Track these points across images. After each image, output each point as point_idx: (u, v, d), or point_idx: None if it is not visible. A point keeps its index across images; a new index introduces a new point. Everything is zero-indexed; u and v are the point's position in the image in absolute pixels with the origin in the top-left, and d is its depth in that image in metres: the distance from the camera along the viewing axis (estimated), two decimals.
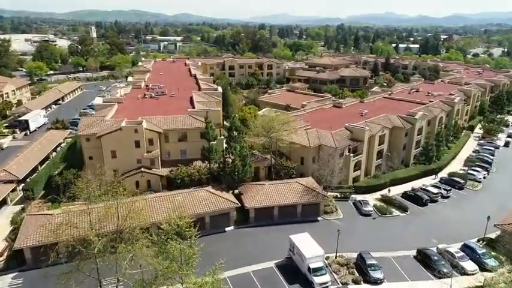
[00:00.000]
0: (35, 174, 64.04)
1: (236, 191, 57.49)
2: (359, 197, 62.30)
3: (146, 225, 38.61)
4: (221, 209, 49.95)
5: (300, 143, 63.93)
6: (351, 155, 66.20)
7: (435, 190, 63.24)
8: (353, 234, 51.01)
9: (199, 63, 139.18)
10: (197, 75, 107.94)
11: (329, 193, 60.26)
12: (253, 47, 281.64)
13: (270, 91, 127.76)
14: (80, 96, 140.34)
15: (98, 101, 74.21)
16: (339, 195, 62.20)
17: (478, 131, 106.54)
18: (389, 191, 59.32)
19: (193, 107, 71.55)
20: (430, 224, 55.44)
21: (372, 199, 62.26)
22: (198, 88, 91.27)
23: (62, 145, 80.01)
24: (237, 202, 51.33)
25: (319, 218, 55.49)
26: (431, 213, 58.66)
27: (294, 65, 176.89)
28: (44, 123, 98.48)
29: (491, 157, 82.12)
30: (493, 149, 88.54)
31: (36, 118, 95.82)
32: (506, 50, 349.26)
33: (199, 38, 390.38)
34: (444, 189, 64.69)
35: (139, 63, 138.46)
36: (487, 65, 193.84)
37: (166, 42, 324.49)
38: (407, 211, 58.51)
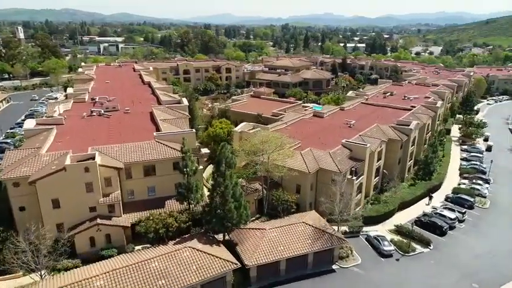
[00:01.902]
0: None
1: (226, 236, 44.79)
2: (370, 230, 52.24)
3: None
4: (216, 274, 36.78)
5: (296, 168, 52.37)
6: (354, 177, 55.99)
7: (452, 215, 54.93)
8: (382, 287, 40.54)
9: (151, 68, 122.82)
10: (152, 83, 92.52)
11: (334, 227, 49.35)
12: (204, 48, 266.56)
13: (233, 97, 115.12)
14: (6, 110, 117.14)
15: (28, 124, 56.82)
16: (347, 230, 51.57)
17: (454, 134, 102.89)
18: (412, 225, 49.04)
19: (157, 128, 57.20)
20: (460, 261, 46.59)
21: (385, 231, 52.48)
22: (156, 100, 76.43)
23: None
24: (236, 262, 38.39)
25: (334, 267, 44.32)
26: (455, 245, 50.03)
27: (253, 68, 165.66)
28: None
29: (484, 166, 76.79)
30: (480, 155, 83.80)
31: None
32: (443, 48, 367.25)
33: (142, 39, 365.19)
34: (459, 211, 56.80)
35: (80, 69, 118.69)
36: (441, 64, 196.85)
37: (106, 44, 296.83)
38: (430, 245, 49.31)
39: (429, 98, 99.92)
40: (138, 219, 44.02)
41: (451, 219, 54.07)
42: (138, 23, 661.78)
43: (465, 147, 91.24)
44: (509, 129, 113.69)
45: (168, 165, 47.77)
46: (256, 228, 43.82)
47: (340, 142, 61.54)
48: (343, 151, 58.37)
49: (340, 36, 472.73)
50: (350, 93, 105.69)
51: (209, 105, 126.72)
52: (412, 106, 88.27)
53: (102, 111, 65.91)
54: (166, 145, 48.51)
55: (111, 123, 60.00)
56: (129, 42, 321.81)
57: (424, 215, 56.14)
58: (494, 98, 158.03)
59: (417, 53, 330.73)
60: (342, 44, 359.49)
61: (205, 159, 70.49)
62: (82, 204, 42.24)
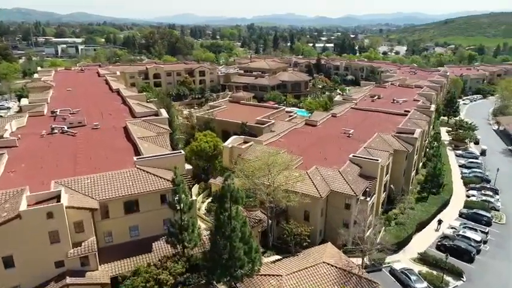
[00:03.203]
0: None
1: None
2: (391, 260, 45.49)
3: None
4: None
5: (305, 192, 44.69)
6: (368, 199, 49.15)
7: (477, 236, 49.30)
8: None
9: (118, 73, 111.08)
10: (121, 91, 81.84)
11: (353, 259, 42.15)
12: (171, 49, 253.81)
13: (211, 104, 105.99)
14: None
15: None
16: (367, 263, 44.48)
17: (444, 137, 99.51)
18: (447, 256, 41.93)
19: (135, 148, 47.69)
20: None
21: (408, 261, 45.93)
22: (129, 112, 66.33)
23: None
24: None
25: None
26: (487, 274, 44.32)
27: (227, 70, 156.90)
28: None
29: (486, 173, 72.76)
30: (479, 161, 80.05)
31: None
32: (408, 48, 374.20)
33: (103, 40, 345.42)
34: (481, 231, 51.39)
35: (35, 75, 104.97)
36: (415, 64, 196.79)
37: (64, 45, 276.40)
38: (462, 276, 43.24)
39: (418, 101, 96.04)
40: (120, 273, 34.56)
41: (476, 241, 48.40)
42: (97, 23, 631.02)
43: (459, 152, 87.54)
44: (494, 130, 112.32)
45: (154, 198, 38.55)
46: (270, 275, 35.59)
47: (343, 156, 55.08)
48: (352, 168, 51.38)
49: (308, 36, 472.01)
50: (338, 97, 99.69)
51: (184, 112, 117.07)
52: (406, 111, 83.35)
53: (66, 128, 55.06)
54: (151, 173, 39.21)
55: (77, 144, 49.49)
56: (89, 44, 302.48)
57: (445, 237, 50.27)
58: (468, 97, 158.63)
59: (384, 53, 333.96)
60: (310, 44, 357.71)
61: (189, 177, 61.76)
62: (45, 260, 32.26)
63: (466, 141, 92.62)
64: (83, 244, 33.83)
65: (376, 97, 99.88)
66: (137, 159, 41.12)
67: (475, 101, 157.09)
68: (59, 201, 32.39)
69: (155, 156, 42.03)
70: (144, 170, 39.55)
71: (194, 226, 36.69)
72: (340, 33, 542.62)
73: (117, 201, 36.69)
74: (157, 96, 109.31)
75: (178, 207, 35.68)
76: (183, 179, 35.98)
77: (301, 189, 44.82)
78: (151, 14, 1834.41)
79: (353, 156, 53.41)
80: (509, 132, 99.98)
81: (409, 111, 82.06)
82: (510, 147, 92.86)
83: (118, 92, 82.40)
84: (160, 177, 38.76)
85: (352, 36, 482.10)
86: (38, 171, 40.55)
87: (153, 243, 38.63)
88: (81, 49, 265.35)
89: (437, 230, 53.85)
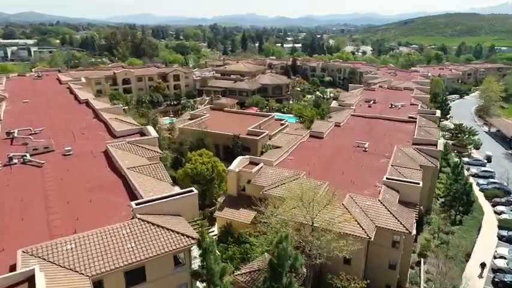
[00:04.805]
0: None
1: None
2: None
3: None
4: None
5: (348, 232, 35.74)
6: (414, 233, 41.07)
7: None
8: None
9: (83, 79, 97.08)
10: (91, 102, 69.36)
11: None
12: (135, 51, 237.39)
13: (191, 112, 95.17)
14: None
15: None
16: None
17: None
18: None
19: (125, 183, 36.70)
20: None
21: None
22: (106, 129, 54.47)
23: None
24: None
25: None
26: None
27: (203, 73, 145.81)
28: None
29: (505, 183, 67.56)
30: (491, 170, 75.10)
31: None
32: (374, 48, 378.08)
33: (58, 41, 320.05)
34: None
35: None
36: (392, 65, 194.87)
37: (15, 47, 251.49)
38: None
39: (416, 105, 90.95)
40: None
41: None
42: (50, 22, 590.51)
43: (466, 159, 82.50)
44: (485, 132, 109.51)
45: (166, 262, 28.04)
46: None
47: (368, 177, 47.81)
48: (391, 195, 43.20)
49: (275, 37, 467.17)
50: (334, 103, 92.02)
51: (160, 121, 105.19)
52: (410, 117, 77.26)
53: (28, 156, 42.57)
54: (159, 226, 28.60)
55: (47, 180, 37.53)
56: (43, 45, 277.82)
57: (498, 270, 43.28)
58: (447, 97, 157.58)
59: (352, 53, 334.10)
60: (278, 45, 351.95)
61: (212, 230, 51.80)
62: None
63: (468, 147, 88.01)
64: None
65: (372, 102, 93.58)
66: (137, 205, 30.21)
67: (453, 101, 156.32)
68: None
69: (160, 199, 31.28)
70: (148, 222, 28.84)
71: None
72: (305, 34, 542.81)
73: (116, 275, 25.84)
74: (127, 104, 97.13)
75: (206, 278, 25.53)
76: (213, 241, 25.80)
77: (344, 228, 35.82)
78: (107, 14, 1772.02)
79: (387, 179, 45.29)
80: (506, 135, 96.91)
81: (414, 117, 76.05)
82: (511, 152, 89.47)
83: (87, 103, 69.83)
84: (174, 231, 28.27)
85: (318, 36, 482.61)
86: None
87: None
88: (34, 51, 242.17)
89: (481, 277, 44.67)
